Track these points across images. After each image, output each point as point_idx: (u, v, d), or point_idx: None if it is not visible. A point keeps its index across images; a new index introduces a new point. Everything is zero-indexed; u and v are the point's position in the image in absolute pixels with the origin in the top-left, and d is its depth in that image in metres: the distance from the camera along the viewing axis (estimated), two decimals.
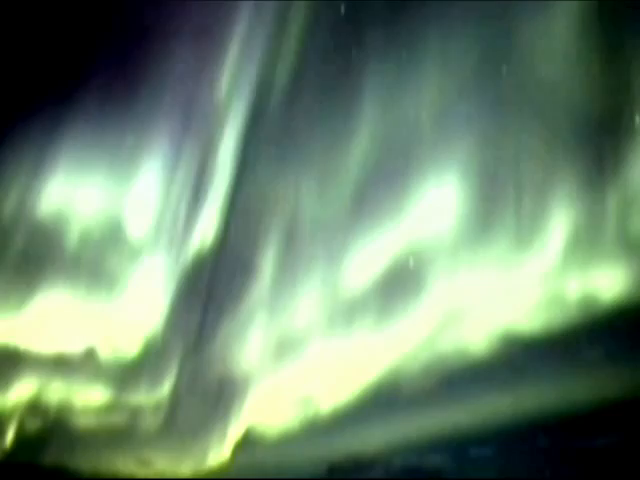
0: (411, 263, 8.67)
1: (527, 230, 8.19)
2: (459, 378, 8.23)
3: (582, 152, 7.96)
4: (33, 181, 9.42)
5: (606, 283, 7.71)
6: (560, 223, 8.05)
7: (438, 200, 8.65)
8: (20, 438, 8.91)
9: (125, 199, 9.67)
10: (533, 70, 8.27)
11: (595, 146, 7.89)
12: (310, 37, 9.25)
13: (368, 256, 8.88)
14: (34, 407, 9.08)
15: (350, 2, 9.04)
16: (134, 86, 9.38)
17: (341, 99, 9.10)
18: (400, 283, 8.75)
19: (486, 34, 8.46)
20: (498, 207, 8.31)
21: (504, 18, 8.32)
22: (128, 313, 9.52)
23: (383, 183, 8.92)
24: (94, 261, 9.46)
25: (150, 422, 9.25)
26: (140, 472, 8.96)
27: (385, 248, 8.84)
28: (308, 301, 9.19)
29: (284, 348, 9.14)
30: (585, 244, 7.94)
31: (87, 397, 9.29)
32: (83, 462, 8.83)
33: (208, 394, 9.28)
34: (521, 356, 8.01)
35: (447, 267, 8.48)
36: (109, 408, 9.28)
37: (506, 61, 8.37)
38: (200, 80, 9.65)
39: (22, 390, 9.14)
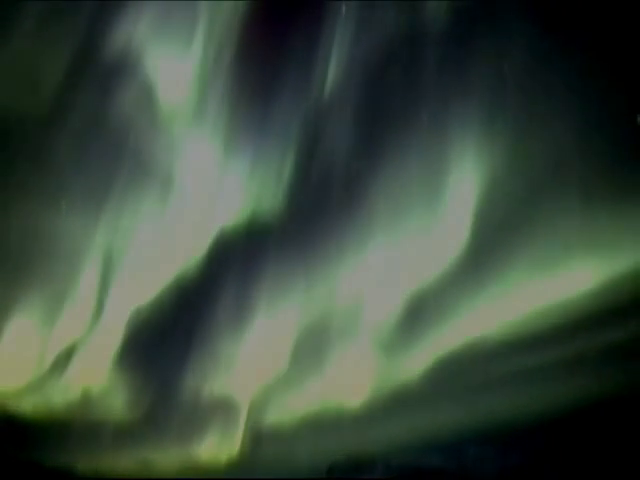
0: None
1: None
2: (458, 379, 8.28)
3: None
4: None
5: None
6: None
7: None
8: (20, 438, 8.91)
9: None
10: None
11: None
12: None
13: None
14: (34, 407, 9.09)
15: None
16: None
17: None
18: None
19: None
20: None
21: None
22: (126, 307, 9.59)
23: None
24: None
25: (150, 422, 9.27)
26: (140, 472, 8.96)
27: None
28: (308, 306, 9.24)
29: (285, 350, 9.17)
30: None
31: (87, 396, 9.29)
32: (83, 462, 8.83)
33: (209, 395, 9.29)
34: (521, 357, 8.04)
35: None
36: (109, 408, 9.29)
37: None
38: None
39: (22, 389, 9.16)
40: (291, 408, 9.08)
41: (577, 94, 8.15)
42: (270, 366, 9.20)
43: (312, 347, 9.11)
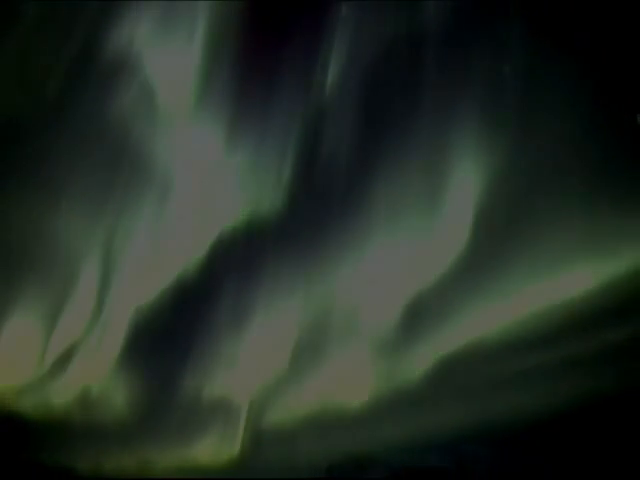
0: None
1: None
2: (459, 379, 8.29)
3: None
4: None
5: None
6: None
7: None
8: (20, 438, 8.91)
9: None
10: None
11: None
12: None
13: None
14: (34, 406, 9.09)
15: None
16: None
17: None
18: None
19: None
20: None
21: None
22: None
23: None
24: None
25: (151, 422, 9.27)
26: (140, 472, 8.96)
27: None
28: (308, 306, 9.25)
29: (285, 350, 9.18)
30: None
31: (87, 396, 9.29)
32: (83, 462, 8.83)
33: (209, 395, 9.29)
34: (521, 357, 8.05)
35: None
36: (109, 408, 9.29)
37: None
38: None
39: (22, 389, 9.16)
40: (291, 408, 9.08)
41: (577, 94, 8.16)
42: (270, 366, 9.21)
43: (312, 347, 9.11)
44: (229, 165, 9.91)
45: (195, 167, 9.92)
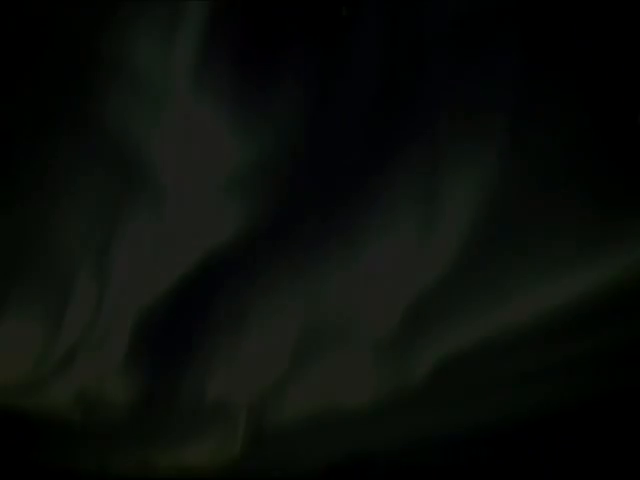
0: None
1: None
2: (460, 379, 8.30)
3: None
4: None
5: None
6: None
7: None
8: (20, 438, 8.91)
9: None
10: None
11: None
12: None
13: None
14: (35, 406, 9.09)
15: None
16: None
17: None
18: None
19: None
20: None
21: None
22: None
23: None
24: None
25: (151, 422, 9.28)
26: (140, 472, 8.96)
27: None
28: (308, 306, 9.26)
29: (285, 350, 9.18)
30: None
31: (87, 396, 9.29)
32: (83, 462, 8.83)
33: (209, 395, 9.30)
34: (521, 357, 8.06)
35: None
36: (109, 407, 9.29)
37: None
38: None
39: (22, 388, 9.16)
40: (291, 408, 9.09)
41: (577, 94, 8.17)
42: (270, 366, 9.21)
43: (312, 347, 9.12)
44: (229, 165, 9.90)
45: (195, 167, 9.91)
